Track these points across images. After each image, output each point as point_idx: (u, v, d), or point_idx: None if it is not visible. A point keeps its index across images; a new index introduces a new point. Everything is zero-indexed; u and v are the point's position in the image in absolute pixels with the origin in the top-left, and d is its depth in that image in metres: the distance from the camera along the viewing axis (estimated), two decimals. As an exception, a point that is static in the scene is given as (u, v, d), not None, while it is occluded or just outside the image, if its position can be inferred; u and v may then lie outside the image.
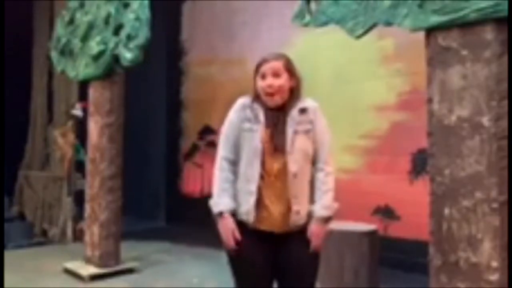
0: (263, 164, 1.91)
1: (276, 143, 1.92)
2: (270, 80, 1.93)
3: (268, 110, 1.97)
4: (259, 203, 1.91)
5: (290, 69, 1.97)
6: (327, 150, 2.00)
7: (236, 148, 1.98)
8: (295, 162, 1.90)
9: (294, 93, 1.98)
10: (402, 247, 4.34)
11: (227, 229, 1.92)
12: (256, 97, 2.00)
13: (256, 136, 1.92)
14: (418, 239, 3.98)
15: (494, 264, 2.03)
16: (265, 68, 1.94)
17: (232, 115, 2.01)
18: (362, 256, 3.22)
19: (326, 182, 1.96)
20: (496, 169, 2.05)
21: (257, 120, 1.95)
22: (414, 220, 4.20)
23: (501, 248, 2.04)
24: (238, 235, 1.91)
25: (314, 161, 1.98)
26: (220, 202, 1.95)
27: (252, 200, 1.90)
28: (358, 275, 3.20)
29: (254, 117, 1.95)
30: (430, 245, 2.27)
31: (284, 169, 1.91)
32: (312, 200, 1.97)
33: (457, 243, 2.15)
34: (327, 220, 1.96)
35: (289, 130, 1.92)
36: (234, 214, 1.94)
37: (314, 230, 1.93)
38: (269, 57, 1.98)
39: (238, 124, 1.97)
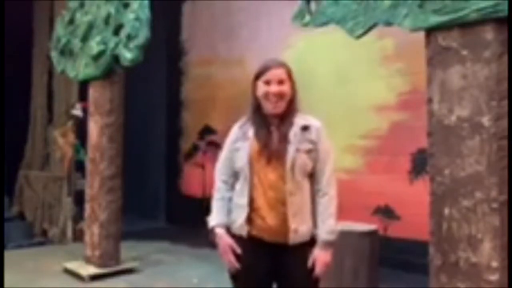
0: (258, 175, 1.91)
1: (272, 153, 1.90)
2: (275, 87, 1.91)
3: (264, 118, 1.96)
4: (255, 214, 1.92)
5: (291, 77, 1.97)
6: (330, 172, 1.96)
7: (232, 169, 2.02)
8: (293, 180, 1.88)
9: (292, 102, 1.97)
10: (402, 247, 4.33)
11: (224, 246, 1.96)
12: (256, 108, 1.98)
13: (244, 154, 1.94)
14: (418, 239, 3.97)
15: (494, 264, 2.03)
16: (270, 75, 1.93)
17: (228, 139, 2.06)
18: (362, 256, 3.22)
19: (329, 207, 1.94)
20: (496, 169, 2.05)
21: (245, 137, 1.96)
22: (414, 220, 4.19)
23: (501, 248, 2.04)
24: (237, 249, 1.93)
25: (315, 181, 1.96)
26: (212, 218, 2.03)
27: (244, 214, 1.92)
28: (358, 275, 3.20)
29: (243, 135, 1.98)
30: (430, 245, 2.27)
31: (280, 179, 1.89)
32: (314, 219, 1.94)
33: (457, 243, 2.15)
34: (331, 244, 1.94)
35: (291, 149, 1.89)
36: (229, 228, 1.98)
37: (319, 256, 1.91)
38: (272, 64, 1.96)
39: (231, 146, 2.02)
